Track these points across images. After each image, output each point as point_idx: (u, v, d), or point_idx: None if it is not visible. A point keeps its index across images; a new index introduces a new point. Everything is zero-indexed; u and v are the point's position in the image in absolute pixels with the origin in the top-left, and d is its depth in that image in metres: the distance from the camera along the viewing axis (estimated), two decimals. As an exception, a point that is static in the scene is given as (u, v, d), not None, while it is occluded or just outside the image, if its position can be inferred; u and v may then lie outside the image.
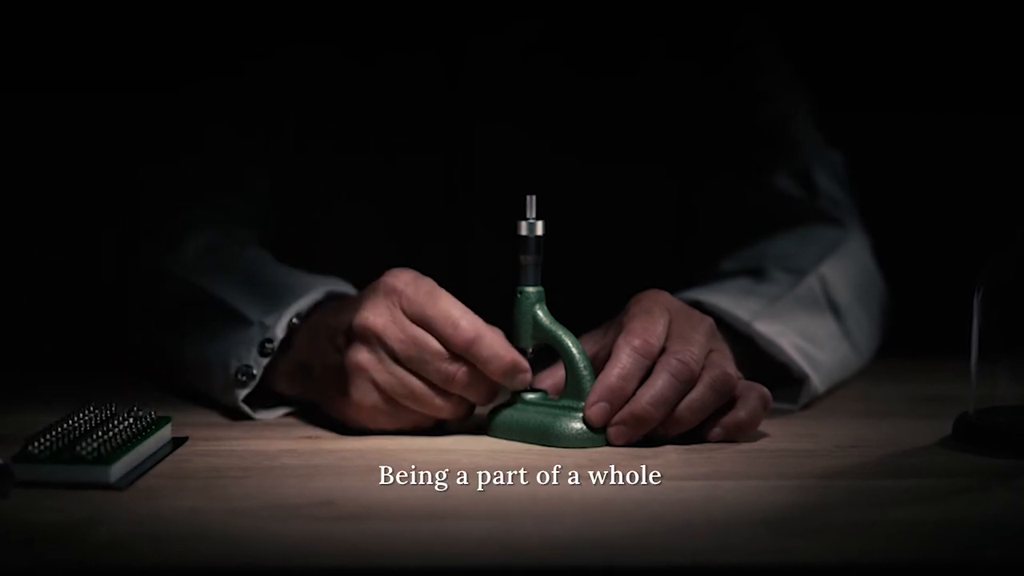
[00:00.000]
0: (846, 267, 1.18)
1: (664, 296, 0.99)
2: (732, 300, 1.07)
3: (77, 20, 1.44)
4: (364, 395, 0.95)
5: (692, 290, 1.09)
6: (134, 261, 1.20)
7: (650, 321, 0.95)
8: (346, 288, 1.05)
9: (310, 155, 1.25)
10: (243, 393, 1.02)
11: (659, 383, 0.93)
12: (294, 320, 1.02)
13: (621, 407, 0.93)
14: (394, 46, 1.25)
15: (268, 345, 1.02)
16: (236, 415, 1.03)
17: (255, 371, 1.02)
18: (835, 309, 1.14)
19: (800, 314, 1.10)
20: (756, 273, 1.14)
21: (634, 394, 0.93)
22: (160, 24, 1.40)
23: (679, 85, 1.27)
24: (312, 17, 1.25)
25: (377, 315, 0.95)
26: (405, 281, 0.96)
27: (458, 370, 0.94)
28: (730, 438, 0.96)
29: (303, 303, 1.03)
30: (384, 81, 1.25)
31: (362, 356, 0.95)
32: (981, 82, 1.51)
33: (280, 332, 1.02)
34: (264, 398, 1.03)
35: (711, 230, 1.26)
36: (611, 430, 0.93)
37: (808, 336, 1.09)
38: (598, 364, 0.96)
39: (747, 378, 0.98)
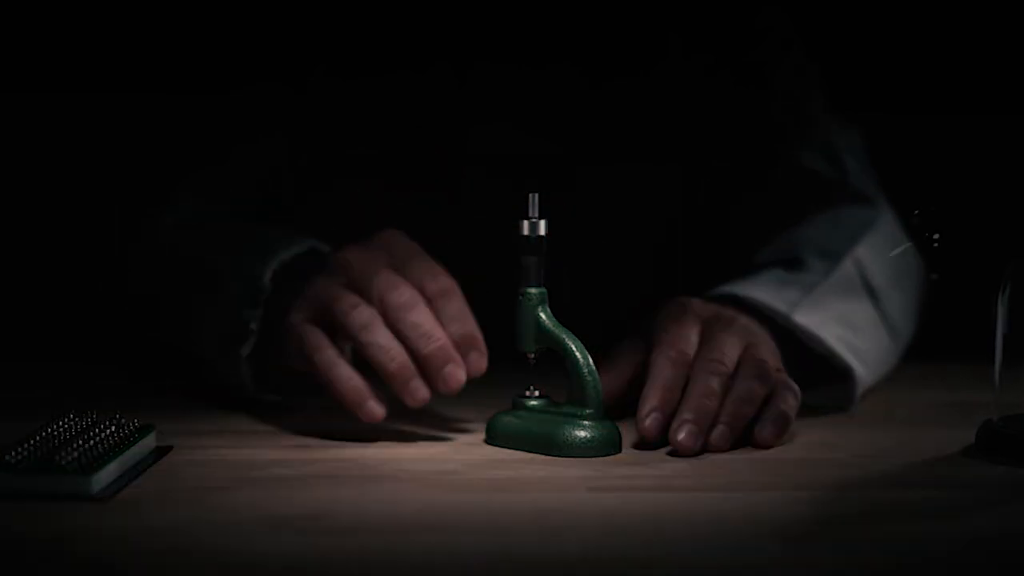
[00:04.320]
0: (881, 248, 1.20)
1: (691, 303, 1.02)
2: (769, 292, 1.09)
3: (77, 21, 1.45)
4: (297, 312, 0.98)
5: (728, 284, 1.11)
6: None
7: (682, 329, 0.99)
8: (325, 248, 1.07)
9: (311, 157, 1.26)
10: (246, 349, 1.04)
11: (700, 380, 0.96)
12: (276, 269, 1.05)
13: (672, 415, 0.95)
14: (405, 62, 1.26)
15: (259, 296, 1.04)
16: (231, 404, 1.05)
17: (252, 324, 1.03)
18: (872, 292, 1.16)
19: (839, 301, 1.13)
20: (791, 261, 1.16)
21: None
22: (172, 30, 1.41)
23: (691, 80, 1.28)
24: (323, 32, 1.26)
25: (353, 250, 0.99)
26: (395, 233, 1.01)
27: (406, 290, 0.96)
28: (781, 432, 0.97)
29: (284, 255, 1.05)
30: (391, 87, 1.26)
31: (318, 278, 0.98)
32: (1003, 82, 1.51)
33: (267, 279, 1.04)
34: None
35: (740, 221, 1.27)
36: (679, 436, 0.94)
37: (848, 323, 1.11)
38: (637, 381, 0.98)
39: (794, 370, 1.01)
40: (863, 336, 1.12)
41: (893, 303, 1.18)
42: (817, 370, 1.06)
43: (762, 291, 1.09)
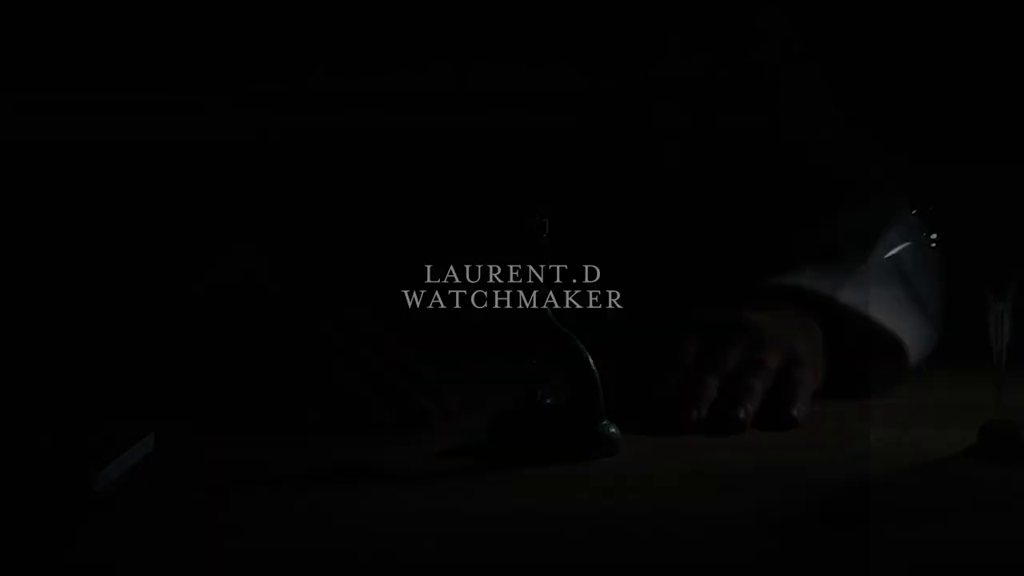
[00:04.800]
0: (904, 235, 1.22)
1: (699, 314, 1.06)
2: (811, 278, 1.13)
3: (76, 20, 1.45)
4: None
5: (771, 277, 1.14)
6: None
7: (683, 342, 1.03)
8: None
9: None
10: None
11: (695, 377, 1.01)
12: None
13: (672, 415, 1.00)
14: (405, 62, 1.26)
15: None
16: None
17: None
18: (904, 277, 1.19)
19: (877, 285, 1.16)
20: (823, 253, 1.19)
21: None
22: (171, 29, 1.41)
23: (692, 80, 1.28)
24: (323, 31, 1.27)
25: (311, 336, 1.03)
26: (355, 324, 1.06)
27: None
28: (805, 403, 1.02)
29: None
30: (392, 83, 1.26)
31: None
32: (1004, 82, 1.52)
33: None
34: None
35: (756, 218, 1.28)
36: (681, 417, 0.99)
37: (890, 304, 1.14)
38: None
39: (844, 355, 1.06)
40: (905, 318, 1.15)
41: (923, 287, 1.21)
42: (861, 355, 1.10)
43: (804, 278, 1.13)
